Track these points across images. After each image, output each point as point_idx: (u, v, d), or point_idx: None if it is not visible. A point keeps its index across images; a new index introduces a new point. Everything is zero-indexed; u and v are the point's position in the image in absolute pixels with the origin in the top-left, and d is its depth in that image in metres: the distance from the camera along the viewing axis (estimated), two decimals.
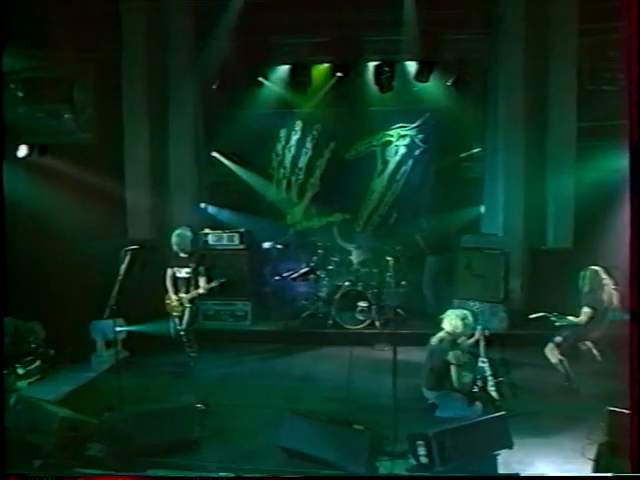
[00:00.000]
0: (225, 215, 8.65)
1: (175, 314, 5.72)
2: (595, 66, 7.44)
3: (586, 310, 5.25)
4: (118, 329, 6.21)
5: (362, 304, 6.87)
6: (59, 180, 7.01)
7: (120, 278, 4.54)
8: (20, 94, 6.89)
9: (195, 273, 5.67)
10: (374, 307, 6.90)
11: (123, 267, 4.61)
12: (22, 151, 6.65)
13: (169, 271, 5.80)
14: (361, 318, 6.88)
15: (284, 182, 8.97)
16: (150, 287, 6.66)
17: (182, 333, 5.70)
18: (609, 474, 3.55)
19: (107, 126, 7.78)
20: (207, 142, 8.54)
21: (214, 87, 7.98)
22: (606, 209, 6.97)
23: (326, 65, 8.07)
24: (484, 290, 6.83)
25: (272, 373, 5.88)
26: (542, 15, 7.49)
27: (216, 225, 8.35)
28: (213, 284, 5.67)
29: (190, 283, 5.68)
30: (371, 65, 7.97)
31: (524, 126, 7.69)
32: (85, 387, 5.48)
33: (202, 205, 8.61)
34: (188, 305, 5.69)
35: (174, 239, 5.76)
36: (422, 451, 3.57)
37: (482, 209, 8.39)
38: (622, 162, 6.79)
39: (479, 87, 8.11)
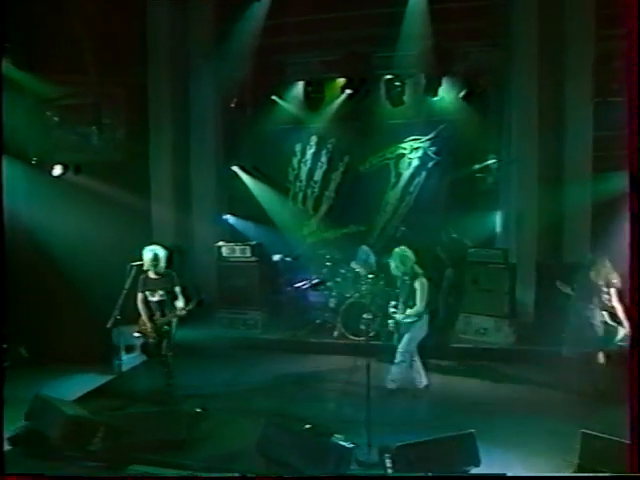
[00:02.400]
0: (244, 226, 9.08)
1: (152, 340, 5.42)
2: (611, 76, 7.24)
3: None
4: (136, 335, 6.78)
5: (366, 316, 7.00)
6: (89, 196, 7.66)
7: (125, 291, 4.97)
8: (56, 119, 7.59)
9: (169, 295, 5.33)
10: (378, 319, 7.03)
11: (129, 281, 5.03)
12: (57, 170, 7.39)
13: (140, 295, 5.32)
14: (365, 329, 7.00)
15: (300, 195, 9.28)
16: None
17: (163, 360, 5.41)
18: (609, 474, 3.53)
19: (134, 145, 8.37)
20: (227, 158, 9.01)
21: (232, 105, 8.45)
22: (623, 222, 6.81)
23: (339, 81, 8.34)
24: (490, 305, 6.84)
25: (274, 380, 6.15)
26: (557, 25, 7.39)
27: (235, 236, 8.85)
28: (191, 305, 5.29)
29: (165, 305, 5.33)
30: (382, 80, 8.16)
31: (538, 137, 7.59)
32: (102, 388, 5.94)
33: (223, 216, 9.09)
34: (167, 328, 5.36)
35: (146, 259, 5.25)
36: (389, 463, 3.73)
37: (497, 221, 8.37)
38: None
39: (492, 99, 8.09)
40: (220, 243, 7.97)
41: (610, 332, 5.42)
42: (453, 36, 7.63)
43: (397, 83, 8.03)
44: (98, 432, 4.25)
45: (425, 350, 6.95)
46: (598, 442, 3.74)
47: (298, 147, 9.08)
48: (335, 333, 7.24)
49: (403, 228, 8.14)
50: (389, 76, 8.05)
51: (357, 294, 7.37)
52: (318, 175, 9.14)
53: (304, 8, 7.83)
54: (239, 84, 8.31)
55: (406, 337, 5.59)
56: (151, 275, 5.31)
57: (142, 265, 5.22)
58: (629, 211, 2.92)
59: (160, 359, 5.42)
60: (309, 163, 9.12)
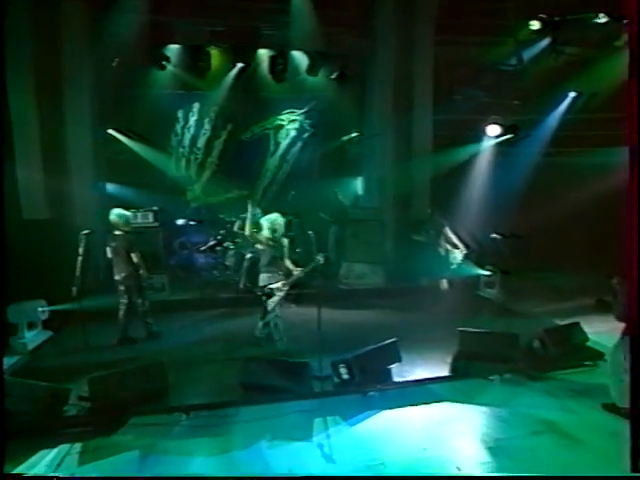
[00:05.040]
0: (125, 192, 8.87)
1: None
2: (448, 75, 9.27)
3: None
4: (41, 309, 6.45)
5: None
6: None
7: (81, 258, 4.94)
8: None
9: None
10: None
11: (81, 249, 4.99)
12: None
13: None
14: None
15: (183, 160, 9.46)
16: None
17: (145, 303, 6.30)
18: (608, 475, 3.76)
19: None
20: (104, 120, 8.58)
21: (113, 65, 8.06)
22: (456, 187, 9.17)
23: (225, 52, 8.71)
24: (367, 254, 8.48)
25: (199, 333, 6.72)
26: (408, 25, 9.07)
27: (115, 202, 8.57)
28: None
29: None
30: (266, 56, 8.86)
31: (393, 117, 9.35)
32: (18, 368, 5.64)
33: (100, 183, 8.71)
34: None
35: (121, 221, 6.13)
36: (344, 371, 4.92)
37: (359, 186, 10.08)
38: (469, 149, 9.01)
39: (358, 81, 9.55)
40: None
41: (453, 256, 7.80)
42: (330, 22, 8.70)
43: (280, 60, 8.83)
44: (84, 394, 4.40)
45: (319, 294, 8.34)
46: (470, 334, 5.58)
47: (181, 113, 9.19)
48: (241, 287, 8.00)
49: (293, 192, 9.16)
50: (273, 52, 8.79)
51: (255, 252, 8.19)
52: (201, 142, 9.44)
53: None
54: (122, 43, 7.93)
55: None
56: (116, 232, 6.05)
57: (89, 233, 5.20)
58: (628, 204, 2.99)
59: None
60: (192, 130, 9.34)
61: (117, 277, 6.15)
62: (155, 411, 4.51)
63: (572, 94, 9.17)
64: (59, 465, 3.92)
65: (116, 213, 6.16)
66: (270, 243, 5.88)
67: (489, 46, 8.80)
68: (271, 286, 5.88)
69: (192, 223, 8.22)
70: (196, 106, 9.25)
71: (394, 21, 8.92)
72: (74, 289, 4.96)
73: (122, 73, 8.28)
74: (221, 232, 8.37)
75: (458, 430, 4.36)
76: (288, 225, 8.44)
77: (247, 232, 6.01)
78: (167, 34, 8.29)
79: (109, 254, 6.14)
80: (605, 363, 5.44)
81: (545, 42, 8.70)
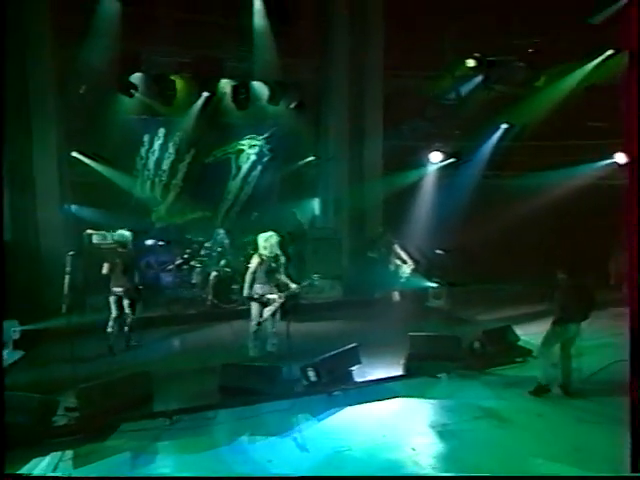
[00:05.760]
0: (91, 214, 9.08)
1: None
2: (397, 105, 10.23)
3: None
4: (14, 329, 6.64)
5: (234, 286, 8.44)
6: None
7: (68, 277, 5.27)
8: None
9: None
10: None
11: (68, 268, 5.33)
12: None
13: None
14: (235, 298, 8.44)
15: (148, 183, 9.82)
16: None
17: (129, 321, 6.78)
18: (609, 475, 3.67)
19: None
20: (71, 143, 8.81)
21: (81, 92, 8.37)
22: (405, 207, 10.08)
23: (190, 81, 9.25)
24: (326, 270, 9.13)
25: (174, 346, 7.13)
26: (360, 59, 9.94)
27: (81, 223, 8.80)
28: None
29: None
30: (229, 86, 9.49)
31: (347, 143, 10.18)
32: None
33: (66, 206, 8.90)
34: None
35: (124, 240, 6.89)
36: (312, 373, 5.51)
37: (316, 206, 10.80)
38: (417, 172, 10.00)
39: (315, 110, 10.34)
40: (89, 231, 8.06)
41: (402, 271, 8.57)
42: (290, 54, 9.46)
43: (242, 90, 9.47)
44: (74, 404, 4.71)
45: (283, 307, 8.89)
46: (420, 338, 6.34)
47: (146, 137, 9.58)
48: (208, 304, 8.42)
49: (256, 213, 9.71)
50: (235, 82, 9.43)
51: (220, 270, 8.66)
52: (166, 165, 9.86)
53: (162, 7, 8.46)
54: (90, 69, 8.27)
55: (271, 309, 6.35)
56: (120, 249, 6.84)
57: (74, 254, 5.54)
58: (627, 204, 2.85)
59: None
60: (157, 153, 9.74)
61: (116, 290, 6.65)
62: (142, 417, 4.89)
63: (504, 125, 10.40)
64: (55, 470, 4.24)
65: (119, 233, 7.02)
66: (264, 258, 6.35)
67: (431, 80, 9.87)
68: (268, 296, 6.33)
69: (161, 243, 8.59)
70: (161, 131, 9.66)
71: (347, 55, 9.80)
72: (63, 306, 5.26)
73: (90, 99, 8.58)
74: (187, 251, 8.77)
75: (412, 419, 5.06)
76: (282, 243, 9.07)
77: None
78: (135, 63, 8.69)
79: (105, 270, 6.55)
80: (533, 359, 6.39)
81: (478, 79, 9.92)
